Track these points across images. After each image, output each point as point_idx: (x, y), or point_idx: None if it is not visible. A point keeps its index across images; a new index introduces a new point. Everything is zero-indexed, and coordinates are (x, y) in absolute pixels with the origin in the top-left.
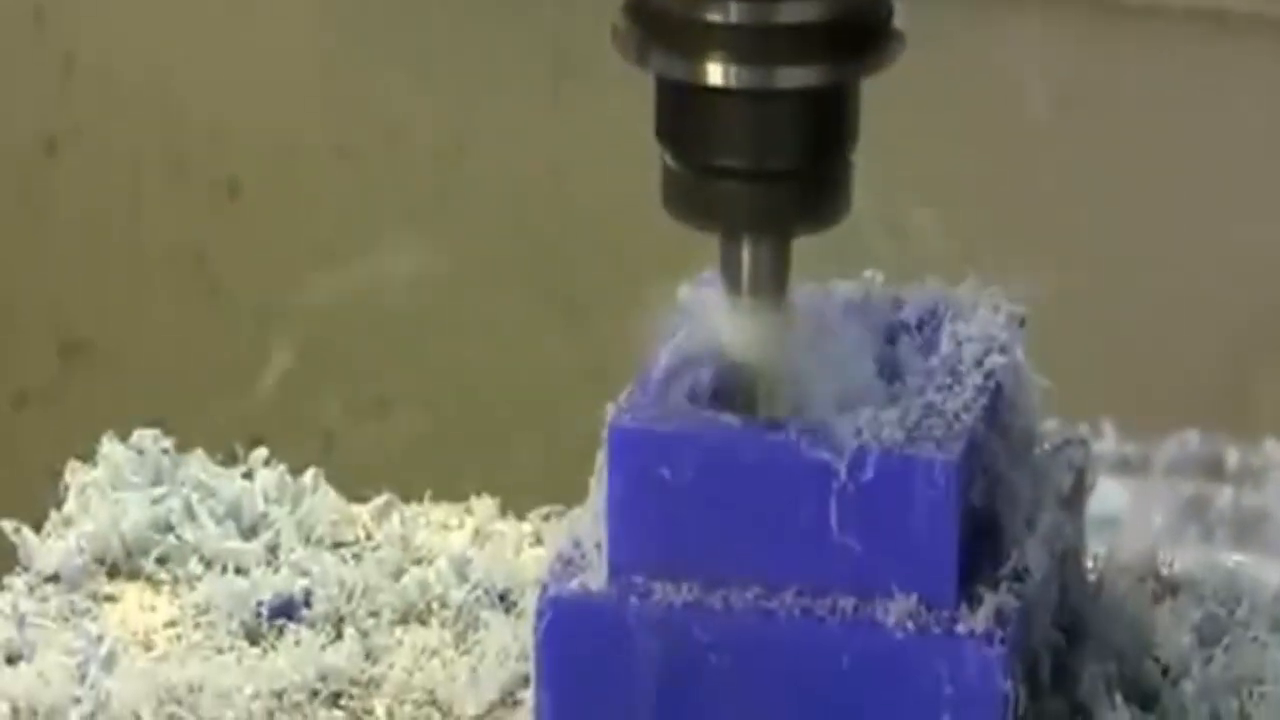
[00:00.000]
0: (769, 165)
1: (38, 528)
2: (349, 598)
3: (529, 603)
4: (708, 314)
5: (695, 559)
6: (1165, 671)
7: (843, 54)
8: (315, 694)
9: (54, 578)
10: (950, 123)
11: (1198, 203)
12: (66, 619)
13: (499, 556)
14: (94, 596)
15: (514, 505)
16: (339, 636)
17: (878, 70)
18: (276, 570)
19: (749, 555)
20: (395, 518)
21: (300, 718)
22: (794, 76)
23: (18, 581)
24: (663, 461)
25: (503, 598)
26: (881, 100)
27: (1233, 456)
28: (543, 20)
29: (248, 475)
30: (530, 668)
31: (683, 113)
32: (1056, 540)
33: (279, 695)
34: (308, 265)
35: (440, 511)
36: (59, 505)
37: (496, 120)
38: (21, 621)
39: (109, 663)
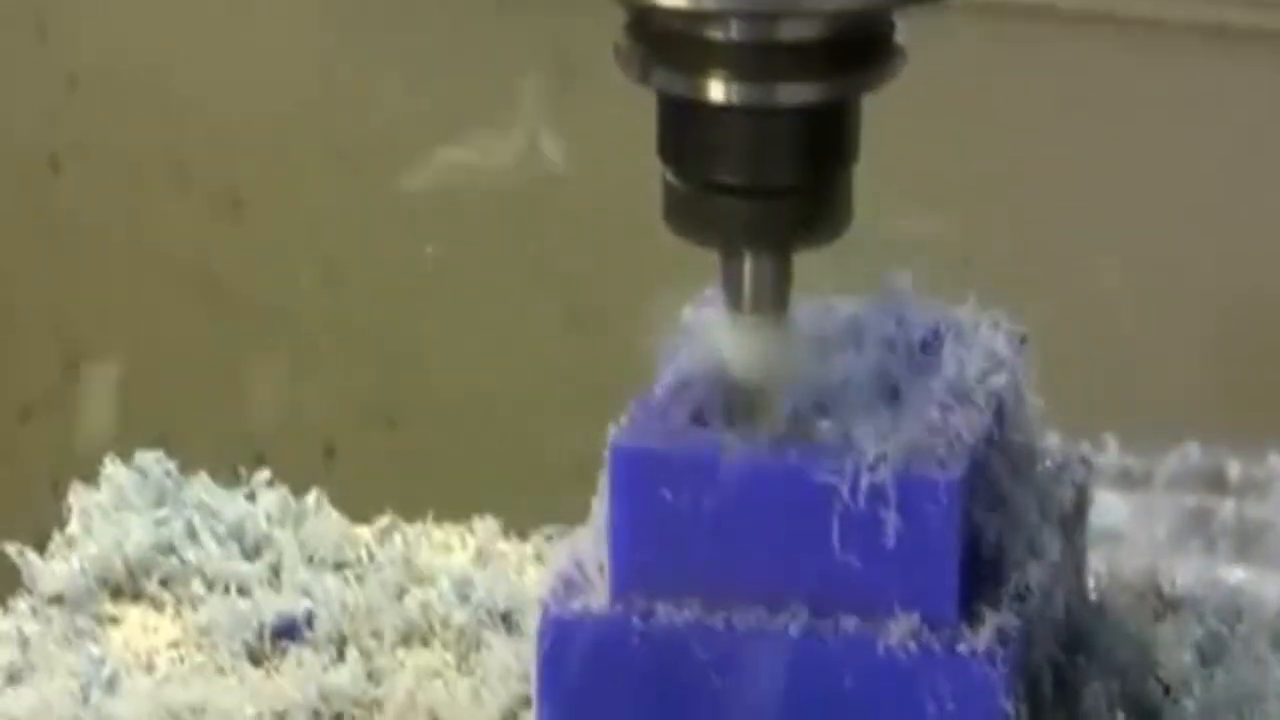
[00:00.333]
0: (769, 181)
1: (41, 541)
2: (351, 618)
3: (531, 623)
4: (709, 331)
5: (697, 579)
6: (1167, 689)
7: (843, 71)
8: (318, 715)
9: (57, 599)
10: (949, 136)
11: (1200, 215)
12: (70, 640)
13: (501, 577)
14: (97, 618)
15: (516, 523)
16: (341, 657)
17: (878, 87)
18: (279, 591)
19: (751, 575)
20: (397, 538)
21: None
22: (794, 93)
23: (21, 603)
24: (664, 482)
25: (505, 618)
26: (882, 113)
27: (1235, 469)
28: (545, 30)
29: (250, 496)
30: (532, 688)
31: (684, 129)
32: (1058, 559)
33: (281, 716)
34: (311, 276)
35: (442, 532)
36: (62, 527)
37: (499, 127)
38: (25, 643)
39: (112, 684)
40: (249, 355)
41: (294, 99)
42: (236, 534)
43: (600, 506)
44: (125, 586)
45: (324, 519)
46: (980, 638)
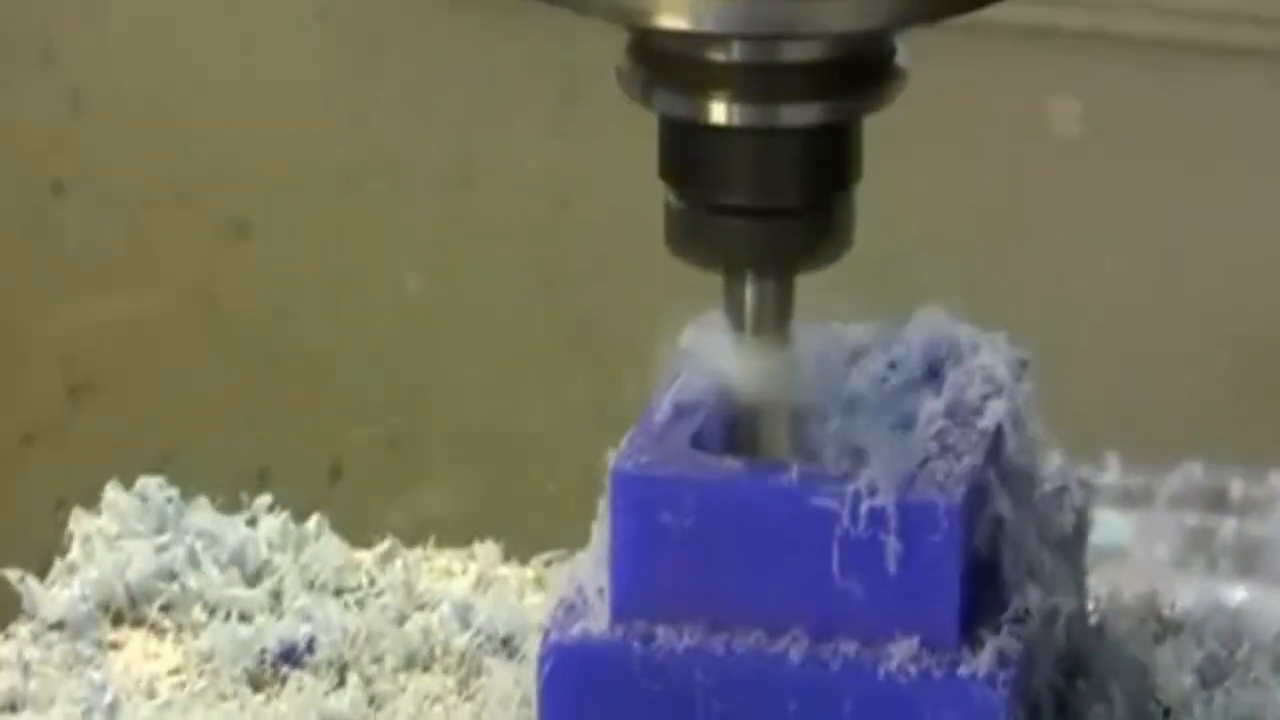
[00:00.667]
0: (772, 203)
1: (45, 565)
2: (352, 644)
3: (532, 648)
4: (712, 352)
5: (698, 603)
6: (1167, 713)
7: (845, 92)
8: None
9: (58, 625)
10: (951, 156)
11: (1202, 233)
12: (71, 667)
13: (502, 602)
14: (98, 644)
15: (518, 547)
16: (342, 683)
17: (880, 108)
18: (280, 617)
19: (751, 599)
20: (398, 563)
21: None
22: (796, 115)
23: (22, 629)
24: (664, 506)
25: (506, 643)
26: (884, 134)
27: (1237, 487)
28: (549, 52)
29: (251, 522)
30: (534, 713)
31: (686, 151)
32: (1058, 583)
33: None
34: (316, 301)
35: (443, 557)
36: (63, 553)
37: (503, 150)
38: (26, 669)
39: (113, 710)
40: (254, 378)
41: (298, 122)
42: (238, 560)
43: (601, 531)
44: (126, 613)
45: (325, 544)
46: (981, 662)
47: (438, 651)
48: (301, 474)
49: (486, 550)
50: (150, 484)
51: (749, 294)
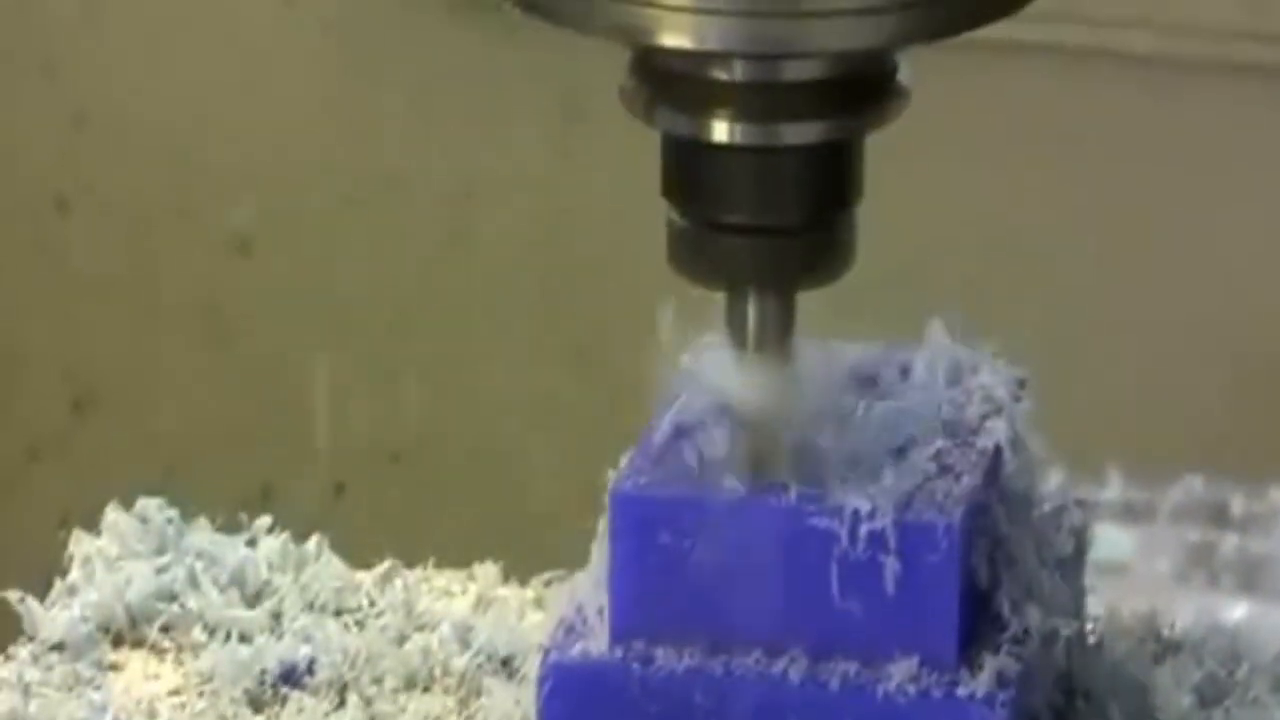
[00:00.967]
0: (774, 221)
1: (49, 581)
2: (352, 665)
3: (531, 668)
4: (713, 370)
5: (697, 624)
6: None
7: (847, 110)
8: None
9: (59, 646)
10: (954, 173)
11: (1201, 247)
12: (71, 688)
13: (501, 622)
14: (98, 665)
15: (518, 567)
16: (342, 704)
17: (882, 126)
18: (280, 638)
19: (751, 620)
20: (398, 584)
21: None
22: (799, 133)
23: (22, 651)
24: (664, 527)
25: (505, 664)
26: (886, 151)
27: (1238, 503)
28: (551, 68)
29: (251, 543)
30: None
31: (688, 169)
32: (1057, 603)
33: None
34: (318, 316)
35: (443, 578)
36: (64, 574)
37: (505, 167)
38: (26, 691)
39: None
40: (256, 395)
41: (301, 137)
42: (238, 580)
43: (600, 551)
44: (126, 633)
45: (325, 565)
46: (980, 681)
47: (438, 672)
48: (304, 491)
49: (486, 571)
50: (150, 505)
51: (751, 311)
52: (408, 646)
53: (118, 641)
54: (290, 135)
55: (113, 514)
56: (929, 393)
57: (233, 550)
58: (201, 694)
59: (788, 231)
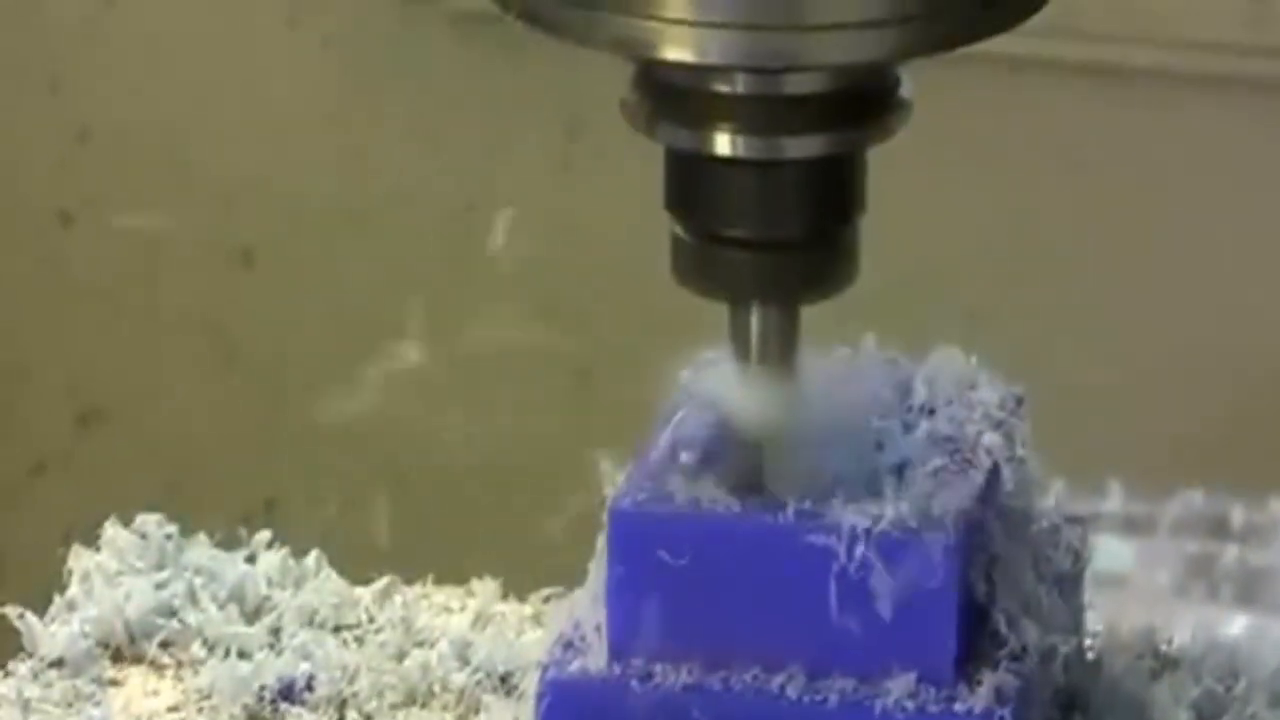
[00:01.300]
0: (777, 234)
1: (53, 597)
2: (351, 681)
3: (530, 685)
4: (716, 384)
5: (695, 640)
6: None
7: (850, 124)
8: None
9: (58, 663)
10: (954, 188)
11: (1202, 261)
12: (70, 704)
13: (500, 639)
14: (98, 681)
15: (521, 581)
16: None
17: (884, 139)
18: (279, 654)
19: (749, 636)
20: (397, 600)
21: None
22: (801, 146)
23: (21, 667)
24: (662, 544)
25: (504, 680)
26: (888, 165)
27: (1238, 515)
28: (553, 82)
29: (250, 559)
30: None
31: (691, 183)
32: (1054, 619)
33: None
34: (323, 332)
35: (442, 594)
36: (63, 590)
37: (507, 181)
38: (26, 707)
39: None
40: (260, 408)
41: (303, 152)
42: (237, 596)
43: (598, 568)
44: (126, 649)
45: (324, 581)
46: (978, 698)
47: (436, 688)
48: (308, 505)
49: (485, 587)
50: (149, 521)
51: (754, 325)
52: (407, 663)
53: (117, 658)
54: (293, 150)
55: (112, 530)
56: (927, 409)
57: (232, 566)
58: (201, 710)
59: (791, 245)
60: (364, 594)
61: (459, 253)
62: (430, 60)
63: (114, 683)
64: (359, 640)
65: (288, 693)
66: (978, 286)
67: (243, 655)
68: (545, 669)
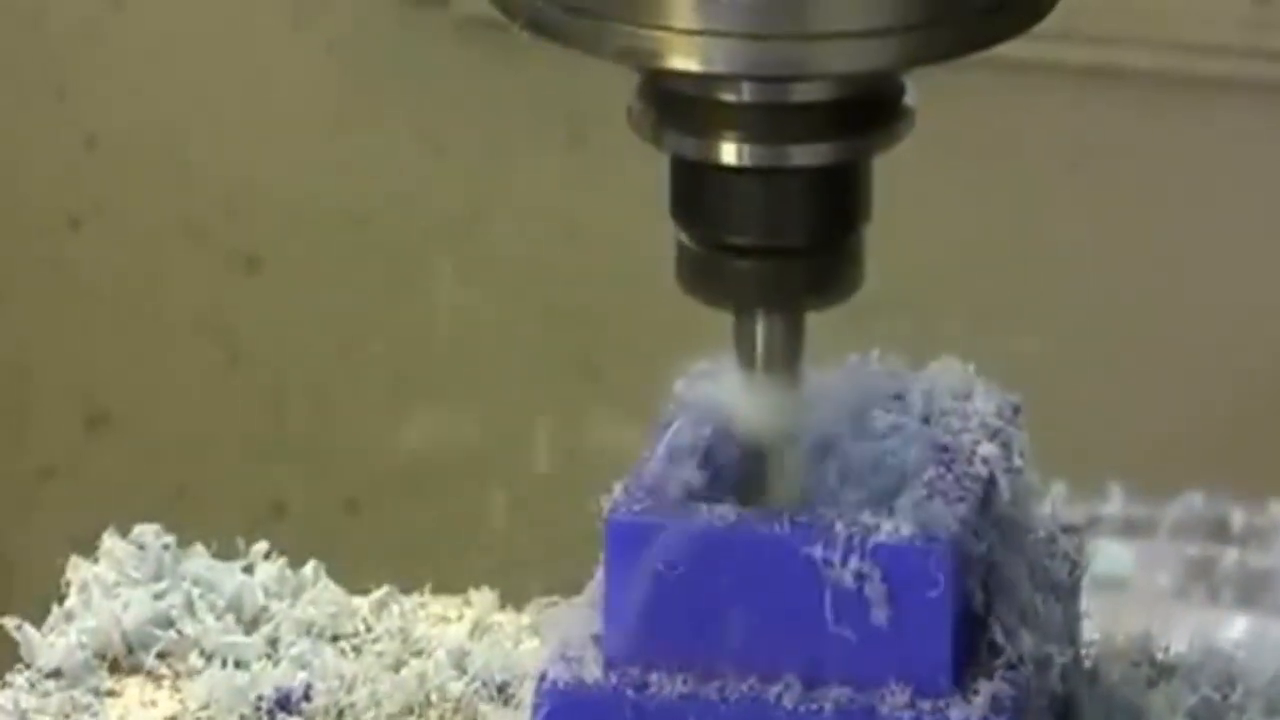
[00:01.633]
0: (782, 242)
1: (61, 599)
2: (348, 690)
3: (527, 694)
4: (719, 391)
5: (691, 650)
6: None
7: (854, 132)
8: None
9: (55, 674)
10: (957, 192)
11: (1205, 263)
12: (68, 715)
13: (497, 648)
14: (95, 692)
15: (520, 589)
16: None
17: (889, 147)
18: (276, 664)
19: (744, 646)
20: (395, 610)
21: None
22: (806, 155)
23: (19, 678)
24: (658, 554)
25: (501, 689)
26: (892, 169)
27: (1238, 518)
28: (556, 88)
29: (248, 569)
30: None
31: (696, 190)
32: (1051, 628)
33: None
34: (327, 335)
35: (439, 604)
36: (61, 600)
37: (511, 188)
38: (23, 718)
39: None
40: (268, 412)
41: (309, 157)
42: (235, 606)
43: (596, 577)
44: (123, 660)
45: (321, 591)
46: (974, 708)
47: (434, 698)
48: (317, 508)
49: (482, 597)
50: (147, 531)
51: (759, 332)
52: (404, 672)
53: (114, 668)
54: (298, 155)
55: (109, 541)
56: (924, 418)
57: (230, 576)
58: None
59: (795, 253)
60: (361, 604)
61: (463, 256)
62: (434, 65)
63: (111, 693)
64: (356, 650)
65: (285, 703)
66: (982, 289)
67: (240, 665)
68: (541, 678)
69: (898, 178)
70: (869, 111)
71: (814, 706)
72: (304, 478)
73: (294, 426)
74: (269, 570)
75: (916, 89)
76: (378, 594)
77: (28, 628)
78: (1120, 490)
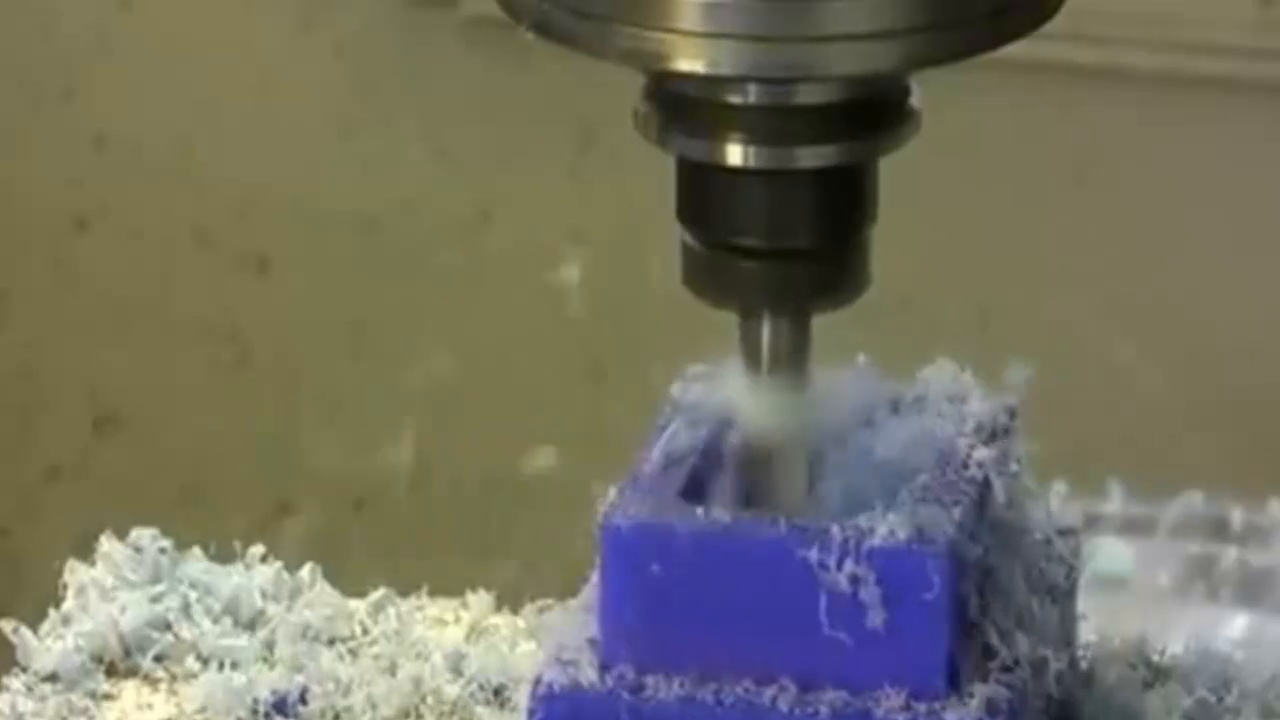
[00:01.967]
0: (788, 244)
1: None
2: (345, 693)
3: (523, 698)
4: (722, 393)
5: (687, 653)
6: None
7: (861, 134)
8: None
9: (52, 677)
10: (964, 192)
11: (1208, 263)
12: (65, 718)
13: (493, 651)
14: (92, 695)
15: (522, 591)
16: None
17: (895, 149)
18: (273, 667)
19: (740, 649)
20: (391, 613)
21: None
22: (813, 156)
23: (15, 681)
24: (654, 557)
25: (498, 693)
26: (899, 170)
27: (1238, 516)
28: (564, 89)
29: (245, 572)
30: None
31: (702, 192)
32: (1047, 631)
33: None
34: (335, 336)
35: (435, 607)
36: (58, 604)
37: (519, 190)
38: None
39: None
40: (275, 413)
41: (317, 159)
42: (231, 610)
43: (593, 580)
44: (120, 663)
45: (318, 594)
46: (969, 711)
47: (430, 701)
48: (324, 508)
49: (479, 600)
50: (144, 535)
51: (765, 334)
52: (400, 675)
53: (111, 671)
54: (306, 156)
55: (107, 544)
56: (919, 423)
57: (226, 579)
58: None
59: (802, 255)
60: (358, 606)
61: (472, 258)
62: (441, 67)
63: (108, 697)
64: (353, 653)
65: (281, 706)
66: (983, 290)
67: (236, 668)
68: (537, 682)
69: (903, 172)
70: (875, 113)
71: (809, 709)
72: (311, 479)
73: (302, 427)
74: (266, 573)
75: (922, 84)
76: (374, 596)
77: (24, 630)
78: (1120, 489)
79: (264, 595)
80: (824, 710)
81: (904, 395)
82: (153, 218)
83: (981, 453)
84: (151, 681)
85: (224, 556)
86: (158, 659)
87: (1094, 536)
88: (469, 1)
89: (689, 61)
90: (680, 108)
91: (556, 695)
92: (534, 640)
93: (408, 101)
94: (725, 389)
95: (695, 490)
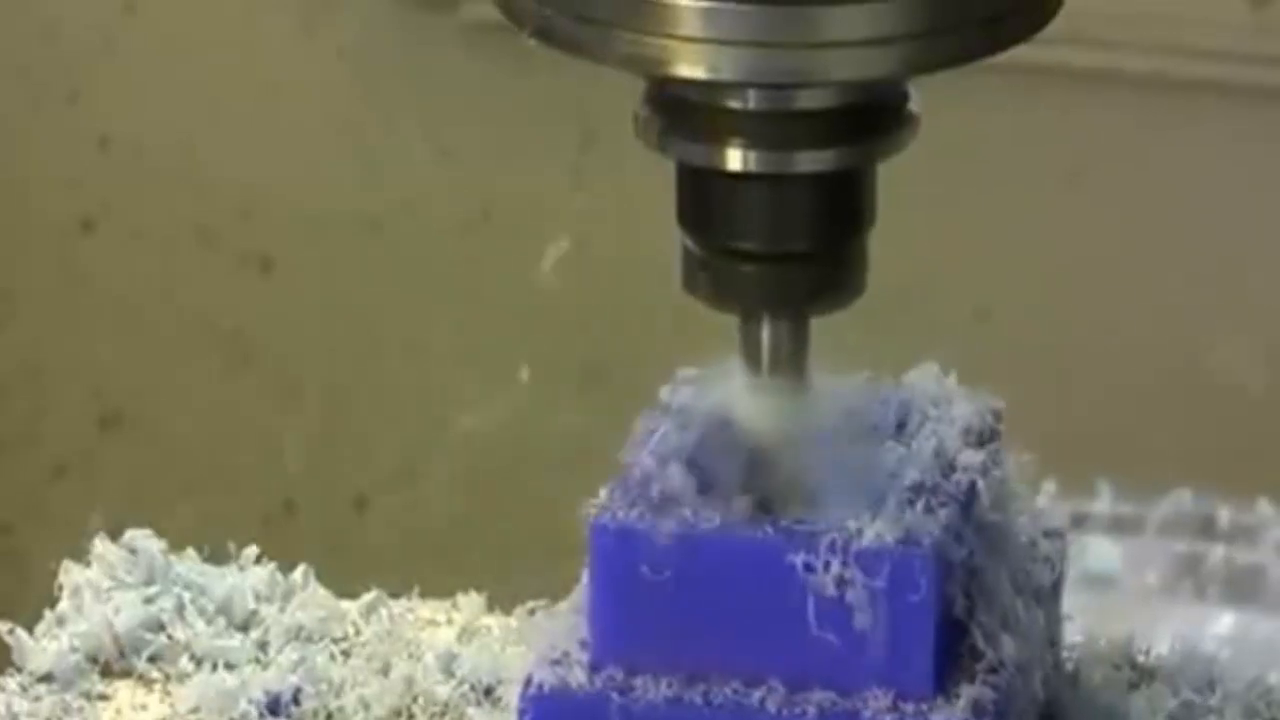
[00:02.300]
0: (787, 247)
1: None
2: (337, 694)
3: (513, 698)
4: (715, 395)
5: (676, 654)
6: None
7: (860, 138)
8: None
9: (47, 677)
10: (963, 193)
11: (1203, 265)
12: (59, 719)
13: (485, 652)
14: (87, 696)
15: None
16: None
17: (893, 153)
18: (266, 667)
19: (729, 650)
20: (383, 614)
21: None
22: (811, 161)
23: (10, 682)
24: (643, 558)
25: (489, 693)
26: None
27: (1225, 515)
28: (566, 93)
29: (239, 573)
30: None
31: (702, 196)
32: (1032, 632)
33: None
34: (339, 337)
35: (427, 608)
36: (53, 605)
37: (520, 193)
38: None
39: None
40: (278, 412)
41: (320, 160)
42: (225, 610)
43: (582, 581)
44: (114, 664)
45: (311, 595)
46: (956, 712)
47: (421, 701)
48: (327, 506)
49: (470, 601)
50: (139, 535)
51: (765, 337)
52: (392, 676)
53: (106, 672)
54: (309, 158)
55: (101, 545)
56: (906, 423)
57: (220, 580)
58: None
59: (801, 258)
60: (351, 607)
61: (473, 261)
62: (443, 70)
63: (103, 697)
64: (345, 654)
65: (274, 706)
66: (984, 288)
67: (230, 669)
68: (527, 682)
69: (901, 174)
70: (874, 118)
71: (797, 710)
72: (314, 477)
73: (305, 426)
74: (259, 574)
75: (918, 90)
76: (367, 598)
77: (20, 631)
78: (1109, 488)
79: (257, 596)
80: (812, 711)
81: (890, 398)
82: (157, 218)
83: (968, 456)
84: (146, 682)
85: (225, 556)
86: (152, 659)
87: (1082, 535)
88: (470, 5)
89: (689, 67)
90: (680, 113)
91: (546, 696)
92: (524, 642)
93: (409, 103)
94: (720, 391)
95: (685, 493)
